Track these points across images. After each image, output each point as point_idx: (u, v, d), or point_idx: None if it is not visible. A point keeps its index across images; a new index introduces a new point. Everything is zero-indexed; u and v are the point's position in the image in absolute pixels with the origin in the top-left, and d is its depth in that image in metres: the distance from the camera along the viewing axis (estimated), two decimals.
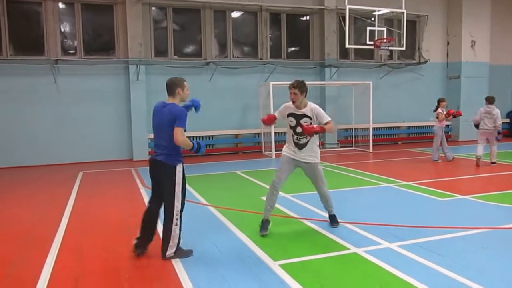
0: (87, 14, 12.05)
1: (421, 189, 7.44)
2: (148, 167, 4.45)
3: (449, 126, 15.69)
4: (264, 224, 5.05)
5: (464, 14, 15.42)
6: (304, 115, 5.01)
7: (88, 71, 11.82)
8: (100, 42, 12.55)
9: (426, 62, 15.59)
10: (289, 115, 5.09)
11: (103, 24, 12.49)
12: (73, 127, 11.83)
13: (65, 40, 12.17)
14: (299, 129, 4.95)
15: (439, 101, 10.56)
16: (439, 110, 10.36)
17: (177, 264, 4.14)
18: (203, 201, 6.91)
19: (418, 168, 9.78)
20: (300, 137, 5.01)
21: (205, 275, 3.88)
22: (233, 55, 13.51)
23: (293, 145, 5.08)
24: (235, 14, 13.63)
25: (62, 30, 12.09)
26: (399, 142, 15.39)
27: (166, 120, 4.18)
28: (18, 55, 11.50)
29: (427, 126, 15.29)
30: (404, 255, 4.24)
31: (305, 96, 5.06)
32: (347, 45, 12.83)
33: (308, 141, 5.03)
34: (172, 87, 4.30)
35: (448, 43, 16.07)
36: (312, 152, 5.08)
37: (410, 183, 8.00)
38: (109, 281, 3.88)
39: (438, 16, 15.86)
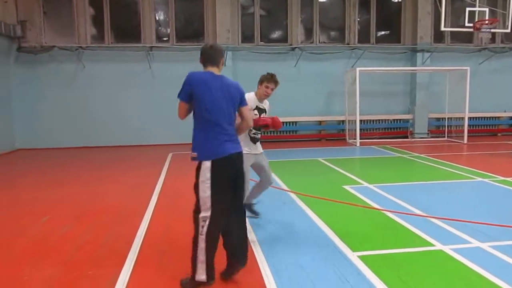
0: (179, 2, 12.62)
1: None
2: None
3: None
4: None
5: None
6: (264, 109, 4.74)
7: (180, 57, 12.39)
8: (191, 30, 13.09)
9: None
10: (255, 108, 4.61)
11: (194, 11, 13.00)
12: (166, 110, 12.47)
13: (159, 28, 12.88)
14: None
15: None
16: None
17: (257, 249, 4.23)
18: (285, 187, 6.96)
19: None
20: (258, 132, 4.65)
21: (284, 262, 3.92)
22: (319, 40, 13.30)
23: (249, 139, 4.60)
24: None
25: (157, 18, 12.80)
26: (499, 134, 14.13)
27: (237, 97, 3.43)
28: (118, 43, 12.42)
29: None
30: (496, 256, 3.92)
31: None
32: (442, 28, 11.95)
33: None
34: (218, 55, 3.51)
35: None
36: (259, 142, 4.78)
37: (508, 179, 7.32)
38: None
39: None
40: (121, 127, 12.44)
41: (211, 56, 3.46)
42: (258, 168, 4.84)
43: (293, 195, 6.42)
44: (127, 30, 12.72)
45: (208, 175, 3.23)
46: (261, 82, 4.52)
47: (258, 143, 4.76)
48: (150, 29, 12.46)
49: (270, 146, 11.65)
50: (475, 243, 4.27)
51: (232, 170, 3.37)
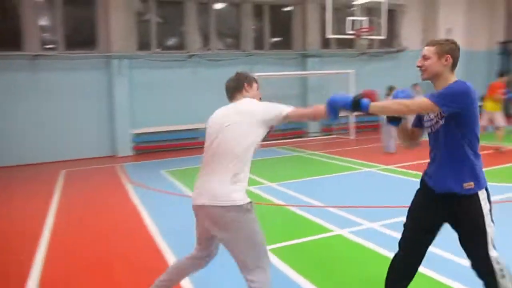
0: (68, 8, 11.91)
1: (401, 172, 7.76)
2: None
3: None
4: None
5: (441, 3, 15.77)
6: None
7: (69, 66, 11.71)
8: (81, 36, 12.45)
9: (404, 50, 15.92)
10: None
11: (85, 17, 12.40)
12: (53, 124, 11.53)
13: (45, 34, 12.04)
14: None
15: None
16: None
17: (170, 257, 4.30)
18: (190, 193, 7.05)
19: (399, 152, 10.08)
20: None
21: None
22: (216, 47, 13.60)
23: None
24: (218, 6, 13.70)
25: (42, 24, 11.97)
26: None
27: None
28: None
29: None
30: (385, 233, 4.51)
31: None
32: (328, 35, 13.06)
33: None
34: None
35: (425, 31, 16.42)
36: None
37: (389, 167, 8.31)
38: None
39: (416, 5, 16.18)
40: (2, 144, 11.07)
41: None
42: None
43: None
44: (5, 37, 11.56)
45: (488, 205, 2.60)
46: (255, 83, 3.05)
47: None
48: (34, 36, 11.55)
49: (169, 155, 11.62)
50: (367, 224, 4.86)
51: None
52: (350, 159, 9.56)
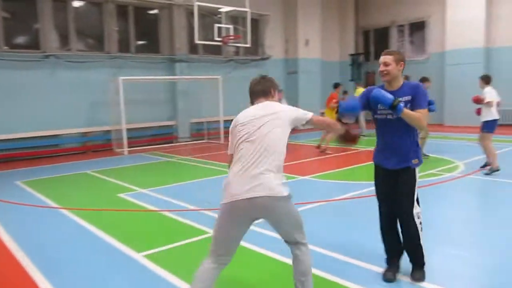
0: None
1: None
2: None
3: None
4: None
5: (299, 15, 17.15)
6: None
7: None
8: None
9: (268, 58, 16.90)
10: None
11: None
12: None
13: None
14: None
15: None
16: None
17: (36, 274, 3.90)
18: (54, 205, 6.49)
19: None
20: None
21: (72, 280, 3.76)
22: (76, 48, 12.70)
23: None
24: (77, 4, 12.81)
25: None
26: None
27: None
28: None
29: None
30: (262, 233, 4.73)
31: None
32: (196, 41, 13.19)
33: None
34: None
35: (287, 41, 17.68)
36: None
37: None
38: None
39: (278, 16, 17.33)
40: None
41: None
42: None
43: (66, 212, 6.06)
44: None
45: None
46: (277, 89, 3.27)
47: None
48: None
49: (26, 165, 10.53)
50: None
51: None
52: (220, 163, 9.78)
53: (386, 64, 3.38)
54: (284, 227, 2.90)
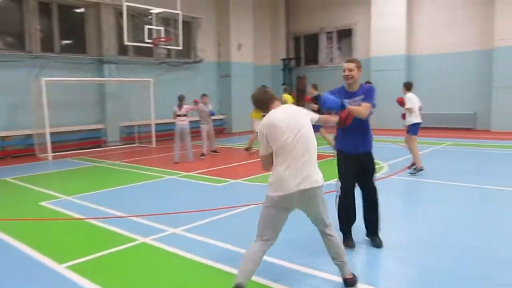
0: None
1: (201, 178, 8.20)
2: None
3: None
4: None
5: (232, 20, 17.27)
6: None
7: None
8: None
9: (201, 61, 16.83)
10: None
11: None
12: None
13: None
14: None
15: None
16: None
17: None
18: None
19: (198, 160, 10.61)
20: None
21: None
22: None
23: None
24: None
25: None
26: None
27: None
28: None
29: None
30: (187, 236, 4.73)
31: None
32: (125, 42, 12.84)
33: None
34: None
35: (219, 45, 17.72)
36: None
37: (191, 173, 8.69)
38: None
39: (211, 19, 17.33)
40: None
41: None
42: None
43: None
44: None
45: None
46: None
47: None
48: None
49: None
50: (170, 230, 5.00)
51: None
52: (151, 167, 9.60)
53: (350, 69, 4.10)
54: (320, 211, 3.36)
